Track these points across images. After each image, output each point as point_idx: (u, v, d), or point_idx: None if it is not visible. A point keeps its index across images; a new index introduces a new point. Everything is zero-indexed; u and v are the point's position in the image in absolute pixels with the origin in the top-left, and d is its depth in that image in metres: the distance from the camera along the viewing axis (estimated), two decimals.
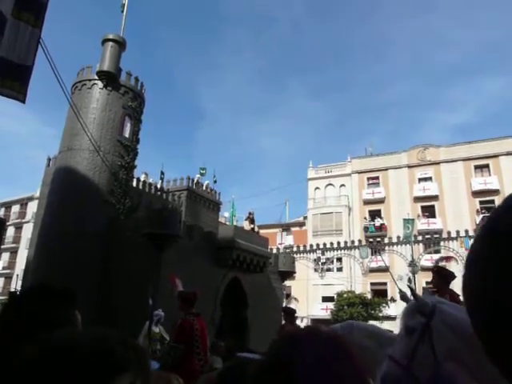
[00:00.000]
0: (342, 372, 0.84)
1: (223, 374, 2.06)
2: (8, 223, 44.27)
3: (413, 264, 28.98)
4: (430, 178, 40.45)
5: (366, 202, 41.84)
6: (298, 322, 32.64)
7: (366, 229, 40.54)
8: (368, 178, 42.99)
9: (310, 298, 39.67)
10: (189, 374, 5.28)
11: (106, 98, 19.93)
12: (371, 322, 28.46)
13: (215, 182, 27.45)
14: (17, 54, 6.61)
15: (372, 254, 32.85)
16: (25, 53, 6.69)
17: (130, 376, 0.83)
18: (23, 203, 47.95)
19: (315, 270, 35.39)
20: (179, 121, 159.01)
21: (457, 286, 4.69)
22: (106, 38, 20.32)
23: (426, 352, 2.06)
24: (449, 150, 40.38)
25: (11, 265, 45.70)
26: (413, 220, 31.72)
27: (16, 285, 29.93)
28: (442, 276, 4.59)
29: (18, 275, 36.74)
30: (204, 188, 26.20)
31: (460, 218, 36.92)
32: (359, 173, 43.24)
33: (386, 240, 34.78)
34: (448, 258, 4.92)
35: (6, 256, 47.02)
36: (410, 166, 41.43)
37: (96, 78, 19.97)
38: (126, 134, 20.25)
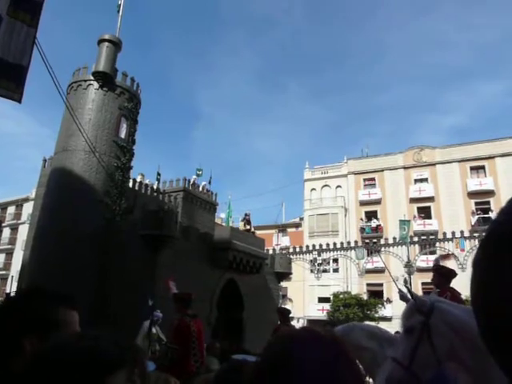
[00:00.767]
0: (340, 372, 0.84)
1: (220, 375, 2.04)
2: (3, 224, 44.18)
3: (409, 265, 29.04)
4: (425, 179, 40.57)
5: (362, 203, 41.92)
6: (294, 322, 32.71)
7: (362, 230, 40.62)
8: (364, 179, 43.08)
9: (306, 299, 39.72)
10: (185, 375, 5.27)
11: (102, 98, 19.88)
12: (367, 323, 28.48)
13: (210, 182, 27.40)
14: (12, 53, 6.57)
15: (368, 255, 32.91)
16: (20, 52, 6.65)
17: (124, 374, 0.85)
18: (19, 204, 47.78)
19: (311, 271, 35.38)
20: (176, 122, 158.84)
21: (457, 284, 4.69)
22: (102, 38, 20.26)
23: (427, 351, 2.06)
24: (444, 152, 40.50)
25: (7, 266, 45.49)
26: (409, 221, 31.79)
27: (11, 286, 29.77)
28: (442, 274, 4.55)
29: (13, 276, 36.53)
30: (200, 189, 26.17)
31: (456, 219, 37.05)
32: (355, 174, 43.32)
33: (382, 241, 34.84)
34: (447, 257, 4.87)
35: (1, 257, 46.84)
36: (405, 167, 41.53)
37: (92, 78, 19.91)
38: (122, 134, 20.20)
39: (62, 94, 11.36)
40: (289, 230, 45.25)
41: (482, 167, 38.84)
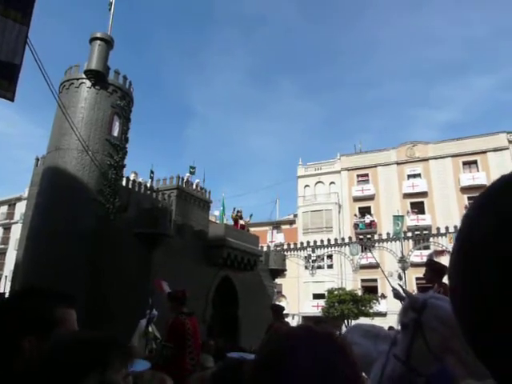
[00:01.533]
0: (337, 368, 0.84)
1: (217, 373, 2.05)
2: None
3: (403, 260, 29.19)
4: (418, 175, 40.73)
5: (356, 199, 42.02)
6: (288, 319, 32.73)
7: (356, 226, 40.73)
8: (357, 175, 43.18)
9: (300, 296, 39.80)
10: (179, 374, 5.27)
11: (95, 96, 19.76)
12: (362, 319, 28.62)
13: (203, 180, 27.36)
14: (4, 51, 6.52)
15: (362, 251, 33.01)
16: (12, 51, 6.60)
17: (111, 372, 0.86)
18: (11, 204, 47.49)
19: (306, 268, 35.44)
20: (169, 120, 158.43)
21: None
22: (94, 36, 20.11)
23: (421, 346, 2.12)
24: (437, 147, 40.66)
25: (0, 266, 45.27)
26: (402, 216, 31.93)
27: (5, 286, 29.63)
28: (434, 269, 4.53)
29: (6, 276, 36.38)
30: (194, 187, 26.09)
31: (449, 213, 37.21)
32: (348, 170, 43.41)
33: (376, 237, 34.96)
34: (442, 253, 4.86)
35: None
36: (398, 163, 41.67)
37: (84, 76, 19.78)
38: (115, 133, 20.09)
39: (54, 92, 11.31)
40: (283, 226, 45.29)
41: (475, 162, 39.02)
